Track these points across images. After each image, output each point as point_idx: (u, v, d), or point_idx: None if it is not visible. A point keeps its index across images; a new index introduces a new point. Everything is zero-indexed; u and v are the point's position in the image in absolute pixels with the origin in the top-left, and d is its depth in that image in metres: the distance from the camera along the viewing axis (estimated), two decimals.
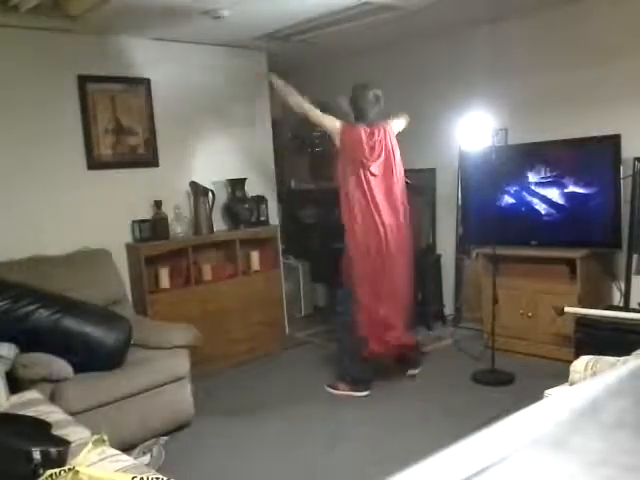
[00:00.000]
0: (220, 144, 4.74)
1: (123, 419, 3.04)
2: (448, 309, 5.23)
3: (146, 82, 4.30)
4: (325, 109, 3.93)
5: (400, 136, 3.94)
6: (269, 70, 4.96)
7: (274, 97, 4.74)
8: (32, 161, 3.81)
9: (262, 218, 4.82)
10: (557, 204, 4.17)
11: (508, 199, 4.41)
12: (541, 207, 4.25)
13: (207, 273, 4.41)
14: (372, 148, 3.75)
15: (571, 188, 4.10)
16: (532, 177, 4.27)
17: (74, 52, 3.96)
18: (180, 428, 3.34)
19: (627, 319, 3.48)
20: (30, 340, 2.99)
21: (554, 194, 4.18)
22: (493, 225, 3.95)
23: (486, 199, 4.23)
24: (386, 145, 3.81)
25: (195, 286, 4.29)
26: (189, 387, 3.39)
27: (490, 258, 4.12)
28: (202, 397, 3.60)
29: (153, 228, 4.23)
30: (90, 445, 1.97)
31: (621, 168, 3.87)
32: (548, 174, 4.20)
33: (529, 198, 4.31)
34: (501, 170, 4.09)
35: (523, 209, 4.34)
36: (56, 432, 2.17)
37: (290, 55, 5.14)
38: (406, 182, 3.93)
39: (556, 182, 4.17)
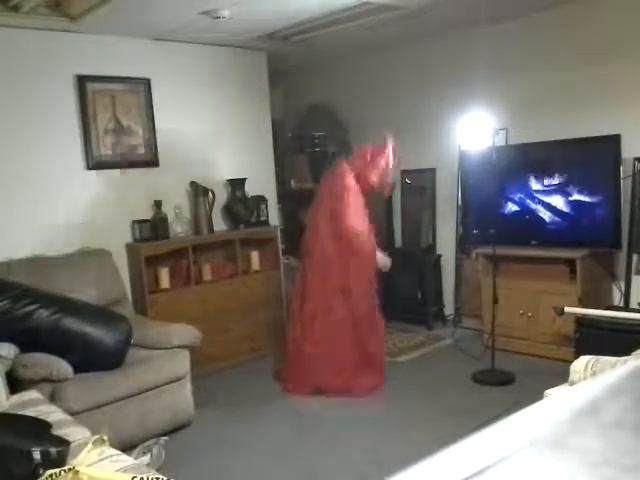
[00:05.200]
0: (220, 144, 4.73)
1: (123, 419, 3.04)
2: (448, 309, 5.23)
3: (146, 82, 4.30)
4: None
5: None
6: (269, 70, 4.97)
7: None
8: (31, 161, 3.81)
9: (262, 218, 4.82)
10: (557, 203, 4.17)
11: (508, 199, 4.41)
12: (541, 207, 4.25)
13: (207, 273, 4.41)
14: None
15: (571, 188, 4.10)
16: (532, 177, 4.27)
17: (74, 52, 3.96)
18: (180, 428, 3.34)
19: (627, 319, 3.48)
20: (30, 340, 2.99)
21: (554, 194, 4.18)
22: (493, 225, 3.95)
23: (486, 199, 4.23)
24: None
25: (195, 286, 4.29)
26: (189, 387, 3.39)
27: (490, 258, 4.12)
28: (202, 397, 3.60)
29: (153, 228, 4.23)
30: (90, 445, 1.97)
31: (621, 168, 3.87)
32: (548, 174, 4.20)
33: (529, 198, 4.30)
34: (501, 170, 4.09)
35: (523, 209, 4.34)
36: (56, 432, 2.16)
37: (290, 55, 5.14)
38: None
39: (556, 182, 4.17)
